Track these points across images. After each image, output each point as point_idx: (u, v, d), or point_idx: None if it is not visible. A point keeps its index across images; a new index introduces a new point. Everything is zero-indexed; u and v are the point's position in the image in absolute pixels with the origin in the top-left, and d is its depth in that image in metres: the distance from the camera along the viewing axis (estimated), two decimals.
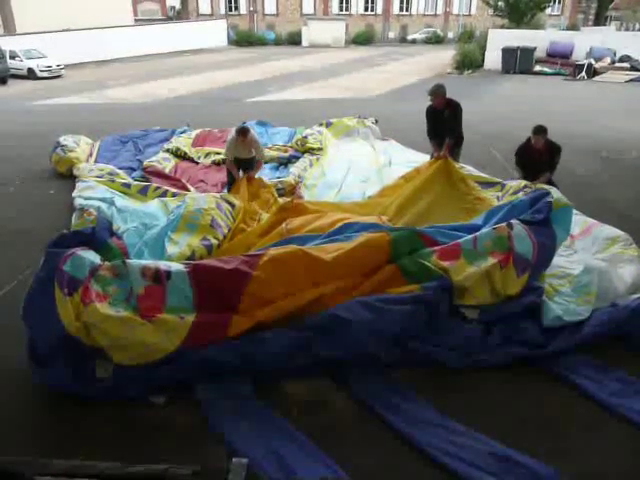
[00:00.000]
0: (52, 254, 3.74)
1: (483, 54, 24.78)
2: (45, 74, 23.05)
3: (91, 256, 3.93)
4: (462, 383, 3.79)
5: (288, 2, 44.43)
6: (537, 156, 6.17)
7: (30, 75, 22.91)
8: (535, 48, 22.84)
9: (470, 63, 24.29)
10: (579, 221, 6.00)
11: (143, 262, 4.07)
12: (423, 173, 6.34)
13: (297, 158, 8.37)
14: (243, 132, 6.42)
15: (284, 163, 8.26)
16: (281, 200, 6.40)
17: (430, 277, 4.17)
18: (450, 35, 42.97)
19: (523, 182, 5.96)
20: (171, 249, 4.96)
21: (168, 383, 3.62)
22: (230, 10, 44.38)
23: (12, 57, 22.87)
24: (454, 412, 3.47)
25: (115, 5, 33.16)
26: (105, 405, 3.52)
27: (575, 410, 3.53)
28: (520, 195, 5.43)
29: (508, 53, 23.05)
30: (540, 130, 6.09)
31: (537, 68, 22.98)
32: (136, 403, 3.54)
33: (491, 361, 3.89)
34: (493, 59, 23.97)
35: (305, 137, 8.87)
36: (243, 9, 44.52)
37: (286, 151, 8.67)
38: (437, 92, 6.61)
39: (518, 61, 23.01)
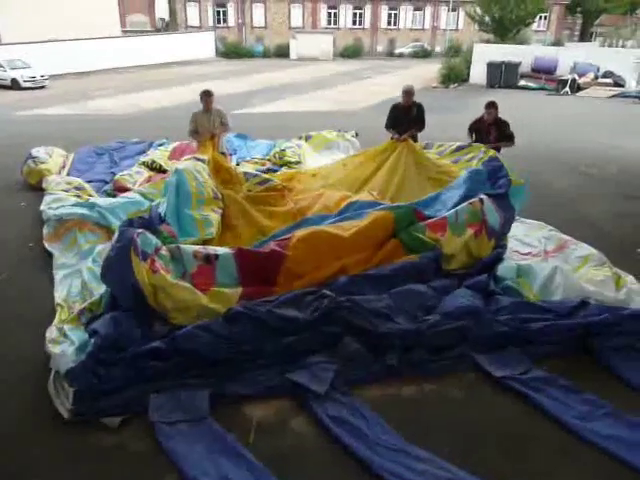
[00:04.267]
0: (126, 230, 4.37)
1: (469, 68, 24.99)
2: (29, 84, 22.86)
3: (154, 238, 4.53)
4: (426, 400, 3.70)
5: (277, 15, 44.68)
6: (486, 128, 7.29)
7: (14, 85, 22.70)
8: (520, 63, 23.08)
9: (456, 77, 24.50)
10: (553, 237, 6.00)
11: (194, 247, 4.70)
12: (387, 151, 7.16)
13: (274, 172, 8.26)
14: (207, 92, 7.20)
15: None
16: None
17: (425, 248, 5.03)
18: (437, 49, 43.44)
19: (477, 145, 7.02)
20: (206, 229, 5.51)
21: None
22: (219, 22, 44.53)
23: None
24: (415, 432, 3.38)
25: (102, 17, 33.02)
26: (58, 428, 3.38)
27: (540, 432, 3.44)
28: (475, 163, 6.53)
29: (493, 67, 23.27)
30: (491, 105, 7.18)
31: (522, 83, 23.20)
32: (88, 427, 3.40)
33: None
34: (478, 73, 24.18)
35: (283, 150, 8.78)
36: (232, 21, 44.72)
37: (264, 164, 8.57)
38: (410, 91, 7.45)
39: (503, 76, 23.24)
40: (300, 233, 4.90)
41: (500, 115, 7.26)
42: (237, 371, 3.79)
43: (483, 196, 5.41)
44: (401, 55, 43.39)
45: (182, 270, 4.46)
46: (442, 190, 6.02)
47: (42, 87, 23.27)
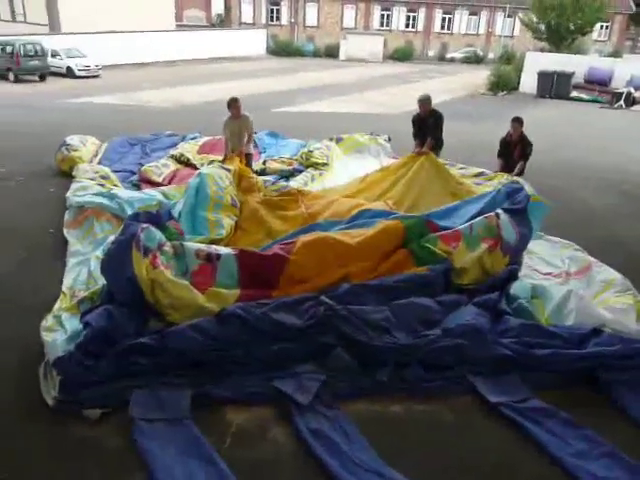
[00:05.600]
0: (131, 224, 4.41)
1: (519, 76, 24.31)
2: (83, 73, 23.61)
3: (159, 233, 4.55)
4: (413, 421, 3.54)
5: (329, 15, 44.69)
6: (512, 145, 7.69)
7: (69, 73, 23.51)
8: (573, 73, 22.28)
9: (505, 85, 23.86)
10: (578, 258, 5.71)
11: (197, 245, 4.73)
12: (409, 164, 7.17)
13: (300, 172, 8.22)
14: (234, 100, 7.48)
15: (286, 176, 8.10)
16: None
17: (435, 260, 4.85)
18: (491, 56, 42.40)
19: (500, 174, 7.25)
20: (217, 230, 5.58)
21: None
22: (272, 20, 44.90)
23: (53, 55, 23.49)
24: (396, 454, 3.23)
25: (159, 10, 33.80)
26: (37, 418, 3.40)
27: (531, 467, 3.23)
28: (496, 184, 6.51)
29: (544, 77, 22.54)
30: (517, 119, 7.61)
31: (574, 94, 22.36)
32: (68, 416, 3.40)
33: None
34: (529, 82, 23.49)
35: (311, 151, 8.70)
36: (284, 20, 44.99)
37: (290, 164, 8.52)
38: (426, 101, 7.60)
39: (554, 86, 22.47)
40: (305, 238, 4.84)
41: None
42: (222, 374, 3.73)
43: (500, 211, 5.27)
44: (452, 60, 42.64)
45: (184, 268, 4.46)
46: (460, 202, 5.91)
47: (96, 76, 23.99)
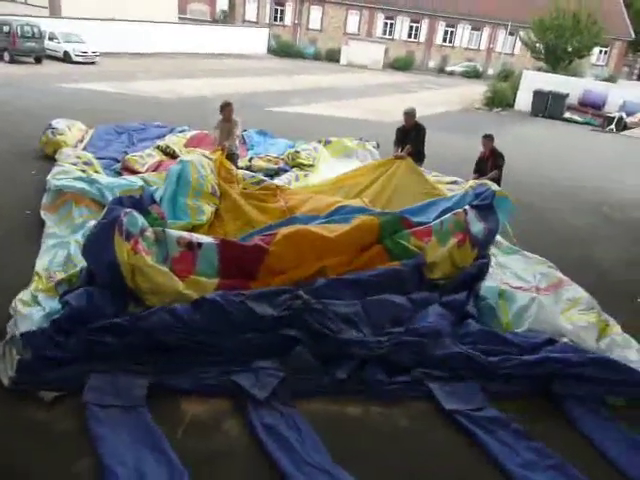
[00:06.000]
0: (114, 208, 4.45)
1: (515, 94, 24.53)
2: (80, 59, 23.48)
3: (141, 218, 4.55)
4: (369, 423, 3.57)
5: (333, 19, 44.83)
6: (485, 159, 7.93)
7: (66, 58, 23.38)
8: (567, 95, 22.53)
9: (500, 101, 24.07)
10: (550, 275, 5.74)
11: (179, 232, 4.78)
12: (386, 165, 7.34)
13: (286, 171, 8.24)
14: (227, 104, 7.57)
15: (271, 175, 8.11)
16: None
17: (408, 255, 5.07)
18: (490, 71, 42.72)
19: (472, 181, 7.36)
20: (198, 216, 5.70)
21: None
22: (275, 20, 44.98)
23: (50, 39, 23.38)
24: (348, 454, 3.25)
25: (162, 2, 33.76)
26: None
27: (478, 476, 3.27)
28: (468, 188, 6.60)
29: (539, 96, 22.78)
30: (487, 136, 7.78)
31: (567, 115, 22.64)
32: (22, 398, 3.39)
33: None
34: (524, 100, 23.72)
35: (297, 152, 8.73)
36: (288, 21, 45.09)
37: (276, 163, 8.55)
38: (411, 113, 7.71)
39: (549, 106, 22.71)
40: (285, 230, 4.94)
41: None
42: (182, 364, 3.74)
43: (467, 207, 5.52)
44: (452, 73, 42.93)
45: (165, 254, 4.51)
46: (431, 200, 6.17)
47: (92, 63, 23.88)
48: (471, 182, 7.31)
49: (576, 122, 22.15)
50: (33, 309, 4.08)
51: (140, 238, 4.37)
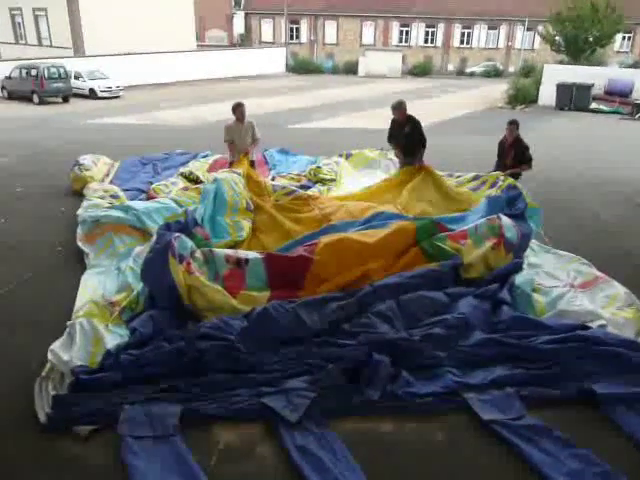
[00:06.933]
0: (164, 234, 4.83)
1: (538, 89, 24.09)
2: (105, 94, 24.16)
3: (189, 241, 4.92)
4: (403, 439, 3.48)
5: (348, 32, 45.06)
6: (506, 150, 7.83)
7: (91, 95, 24.09)
8: (592, 85, 21.97)
9: (524, 98, 23.65)
10: (584, 271, 5.60)
11: (225, 250, 5.08)
12: (412, 175, 7.29)
13: (308, 188, 8.23)
14: (239, 104, 7.65)
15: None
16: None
17: (445, 256, 5.25)
18: (511, 69, 42.15)
19: (492, 174, 7.39)
20: (238, 232, 5.91)
21: None
22: (291, 38, 45.45)
23: (76, 77, 24.12)
24: (383, 473, 3.19)
25: (180, 31, 34.54)
26: (22, 433, 3.44)
27: None
28: (494, 190, 6.83)
29: (563, 89, 22.28)
30: (512, 122, 7.72)
31: (594, 105, 22.04)
32: (58, 433, 3.44)
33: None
34: (548, 95, 23.21)
35: (319, 167, 8.73)
36: (304, 38, 45.54)
37: (299, 180, 8.56)
38: (398, 107, 7.60)
39: (574, 98, 22.19)
40: (327, 239, 5.22)
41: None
42: (212, 386, 3.74)
43: (501, 214, 5.67)
44: (472, 74, 42.50)
45: (214, 272, 4.82)
46: (465, 213, 6.27)
47: (117, 97, 24.53)
48: (492, 177, 7.26)
49: (603, 112, 21.54)
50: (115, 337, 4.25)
51: (191, 259, 4.73)
